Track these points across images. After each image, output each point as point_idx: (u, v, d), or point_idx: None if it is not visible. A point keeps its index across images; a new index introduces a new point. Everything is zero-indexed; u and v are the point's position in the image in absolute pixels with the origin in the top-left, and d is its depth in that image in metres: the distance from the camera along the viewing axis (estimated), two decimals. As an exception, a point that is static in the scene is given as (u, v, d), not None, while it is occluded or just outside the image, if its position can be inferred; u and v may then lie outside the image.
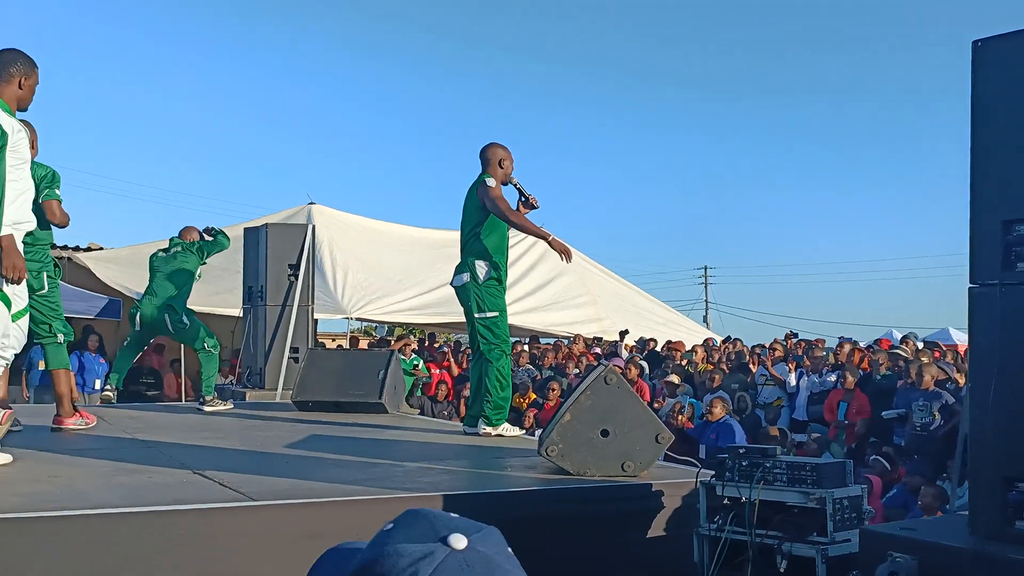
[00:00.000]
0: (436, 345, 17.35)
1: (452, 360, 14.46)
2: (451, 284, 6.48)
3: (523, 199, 6.53)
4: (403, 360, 10.81)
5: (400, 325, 23.05)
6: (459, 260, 6.41)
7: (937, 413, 8.92)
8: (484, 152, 6.46)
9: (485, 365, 6.25)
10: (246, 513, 3.59)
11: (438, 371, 13.73)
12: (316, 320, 13.04)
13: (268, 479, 4.26)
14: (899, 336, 16.51)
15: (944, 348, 13.19)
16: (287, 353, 10.08)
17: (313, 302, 10.71)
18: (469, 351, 15.57)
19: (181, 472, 4.44)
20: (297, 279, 10.23)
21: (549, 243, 6.45)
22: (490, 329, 6.25)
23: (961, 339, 18.73)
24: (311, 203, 17.20)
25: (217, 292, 14.17)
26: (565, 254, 6.40)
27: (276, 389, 9.86)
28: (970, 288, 3.10)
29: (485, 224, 6.27)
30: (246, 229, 11.17)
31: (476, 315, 6.24)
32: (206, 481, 4.17)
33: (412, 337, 18.23)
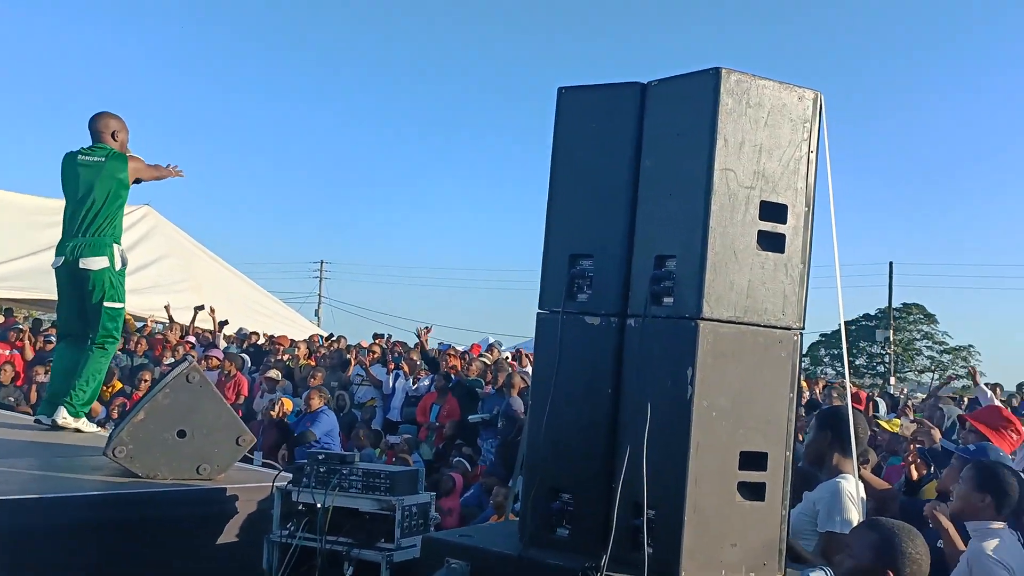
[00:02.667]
0: (14, 321, 15.51)
1: (28, 341, 12.98)
2: (79, 265, 5.78)
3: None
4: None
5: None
6: (71, 237, 5.78)
7: (510, 419, 9.64)
8: (95, 122, 5.92)
9: (95, 352, 5.75)
10: None
11: (8, 351, 12.26)
12: None
13: None
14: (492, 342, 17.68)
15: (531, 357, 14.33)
16: None
17: None
18: (51, 332, 14.15)
19: None
20: None
21: (166, 172, 6.23)
22: (114, 320, 5.89)
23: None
24: None
25: None
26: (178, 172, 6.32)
27: None
28: (538, 313, 3.36)
29: (118, 205, 5.83)
30: None
31: (107, 304, 5.78)
32: None
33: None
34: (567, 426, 3.20)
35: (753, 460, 2.96)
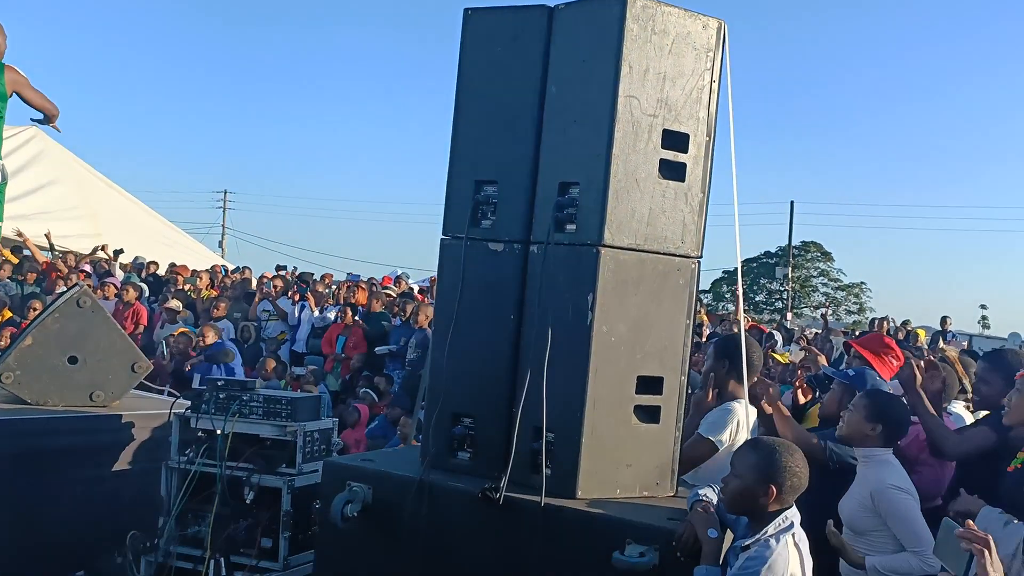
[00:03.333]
0: None
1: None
2: None
3: None
4: None
5: None
6: None
7: (423, 350, 9.66)
8: None
9: None
10: None
11: None
12: None
13: None
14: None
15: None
16: None
17: None
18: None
19: None
20: None
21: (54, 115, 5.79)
22: None
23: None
24: None
25: None
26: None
27: None
28: (441, 240, 3.34)
29: None
30: None
31: None
32: None
33: None
34: (470, 352, 3.21)
35: (650, 384, 3.04)
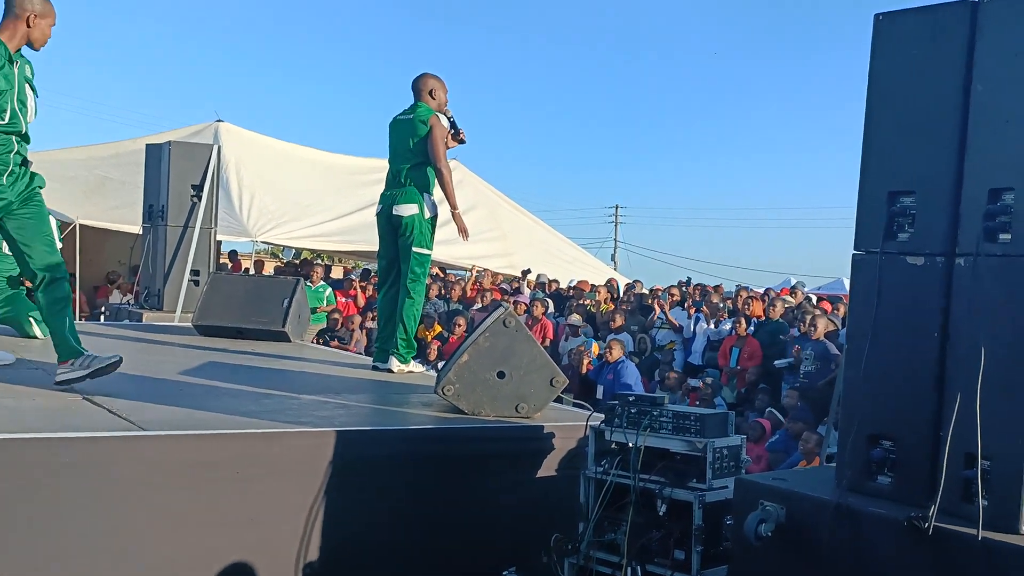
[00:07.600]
0: (349, 271, 17.27)
1: (359, 289, 14.36)
2: (392, 212, 6.26)
3: (453, 131, 6.46)
4: (312, 289, 10.70)
5: (307, 250, 22.83)
6: (389, 188, 6.30)
7: (822, 363, 9.30)
8: (417, 82, 6.40)
9: (406, 301, 6.26)
10: (135, 443, 3.54)
11: (344, 299, 13.64)
12: (219, 242, 12.79)
13: (160, 407, 4.21)
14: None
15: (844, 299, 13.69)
16: (187, 275, 9.89)
17: (216, 224, 10.49)
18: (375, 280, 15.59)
19: (69, 396, 4.35)
20: (200, 200, 9.98)
21: (453, 215, 6.42)
22: (422, 265, 6.32)
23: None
24: (219, 120, 16.67)
25: (115, 207, 13.74)
26: (463, 232, 6.53)
27: (175, 311, 9.69)
28: (853, 255, 3.22)
29: (426, 158, 6.24)
30: (148, 145, 10.80)
31: (415, 249, 6.21)
32: (95, 408, 4.10)
33: (320, 262, 18.02)
34: (888, 371, 3.06)
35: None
